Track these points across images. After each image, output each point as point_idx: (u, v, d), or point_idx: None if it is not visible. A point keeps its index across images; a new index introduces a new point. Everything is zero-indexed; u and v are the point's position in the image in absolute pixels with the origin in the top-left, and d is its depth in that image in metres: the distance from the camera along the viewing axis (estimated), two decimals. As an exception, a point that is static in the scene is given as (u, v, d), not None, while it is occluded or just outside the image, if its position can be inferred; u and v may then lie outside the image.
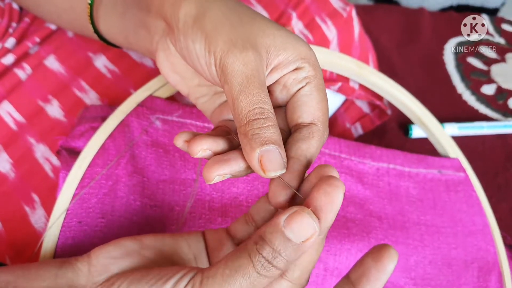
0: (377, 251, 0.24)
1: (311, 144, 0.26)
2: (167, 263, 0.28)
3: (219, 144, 0.26)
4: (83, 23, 0.39)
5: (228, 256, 0.23)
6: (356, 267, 0.24)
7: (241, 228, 0.30)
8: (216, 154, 0.26)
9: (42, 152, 0.41)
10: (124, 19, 0.35)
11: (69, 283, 0.27)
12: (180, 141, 0.27)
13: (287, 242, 0.22)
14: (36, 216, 0.38)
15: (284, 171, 0.24)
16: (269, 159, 0.23)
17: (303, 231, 0.21)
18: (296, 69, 0.27)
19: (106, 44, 0.41)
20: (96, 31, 0.39)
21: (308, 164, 0.26)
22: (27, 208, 0.39)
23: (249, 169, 0.25)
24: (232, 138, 0.27)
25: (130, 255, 0.28)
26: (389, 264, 0.23)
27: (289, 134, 0.28)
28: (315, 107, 0.27)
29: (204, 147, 0.26)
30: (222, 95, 0.32)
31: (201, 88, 0.33)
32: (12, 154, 0.41)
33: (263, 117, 0.24)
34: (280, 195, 0.24)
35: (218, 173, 0.24)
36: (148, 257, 0.28)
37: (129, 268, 0.27)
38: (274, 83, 0.28)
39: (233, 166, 0.25)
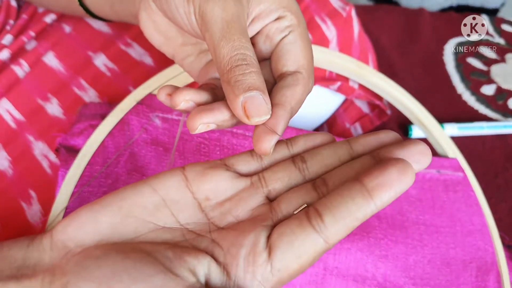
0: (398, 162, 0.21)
1: (295, 91, 0.26)
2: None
3: (202, 96, 0.26)
4: (70, 0, 0.39)
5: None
6: (375, 172, 0.21)
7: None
8: (200, 105, 0.25)
9: (41, 150, 0.41)
10: None
11: (35, 262, 0.25)
12: (163, 95, 0.26)
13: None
14: (32, 212, 0.38)
15: (268, 116, 0.24)
16: (253, 105, 0.23)
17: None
18: (278, 18, 0.27)
19: (105, 43, 0.41)
20: (82, 4, 0.38)
21: (292, 111, 0.25)
22: (23, 204, 0.39)
23: (234, 119, 0.25)
24: (216, 92, 0.27)
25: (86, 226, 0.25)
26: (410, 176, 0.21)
27: (274, 84, 0.27)
28: (299, 55, 0.27)
29: (186, 98, 0.25)
30: (208, 54, 0.32)
31: (186, 47, 0.32)
32: (11, 151, 0.41)
33: (245, 63, 0.24)
34: (265, 141, 0.24)
35: (202, 122, 0.24)
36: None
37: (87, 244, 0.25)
38: (256, 34, 0.28)
39: (217, 115, 0.24)
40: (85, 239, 0.24)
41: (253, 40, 0.28)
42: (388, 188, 0.20)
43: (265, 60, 0.29)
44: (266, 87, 0.24)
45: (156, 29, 0.31)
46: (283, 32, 0.27)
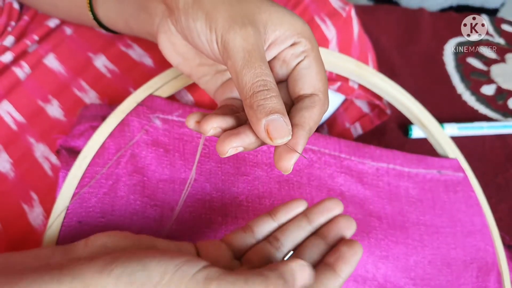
0: (347, 242, 0.30)
1: (313, 113, 0.27)
2: None
3: (228, 122, 0.27)
4: (81, 11, 0.39)
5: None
6: (331, 253, 0.30)
7: (239, 237, 0.31)
8: (226, 130, 0.27)
9: (42, 152, 0.41)
10: (122, 4, 0.36)
11: (63, 256, 0.28)
12: (191, 122, 0.28)
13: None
14: (34, 214, 0.38)
15: (290, 137, 0.25)
16: (275, 128, 0.25)
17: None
18: (293, 44, 0.29)
19: (105, 45, 0.41)
20: (95, 17, 0.39)
21: (311, 131, 0.27)
22: (25, 206, 0.39)
23: (259, 141, 0.27)
24: (239, 116, 0.29)
25: (126, 241, 0.29)
26: (359, 250, 0.29)
27: (292, 106, 0.29)
28: (315, 78, 0.29)
29: (214, 125, 0.27)
30: (224, 74, 0.33)
31: (203, 67, 0.34)
32: (12, 154, 0.41)
33: (266, 88, 0.26)
34: (286, 160, 0.26)
35: (231, 146, 0.26)
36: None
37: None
38: (273, 59, 0.30)
39: (244, 139, 0.26)
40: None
41: (270, 64, 0.30)
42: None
43: (282, 82, 0.31)
44: (285, 110, 0.26)
45: (174, 50, 0.33)
46: (299, 57, 0.29)
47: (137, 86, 0.42)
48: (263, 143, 0.27)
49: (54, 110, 0.43)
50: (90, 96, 0.44)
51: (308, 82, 0.29)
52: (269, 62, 0.30)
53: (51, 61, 0.45)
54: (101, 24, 0.40)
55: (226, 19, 0.27)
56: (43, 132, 0.42)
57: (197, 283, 0.23)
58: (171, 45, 0.33)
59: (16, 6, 0.47)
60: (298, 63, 0.29)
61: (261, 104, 0.25)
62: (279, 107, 0.25)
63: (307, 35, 0.29)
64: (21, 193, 0.39)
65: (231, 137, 0.26)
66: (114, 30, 0.41)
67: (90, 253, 0.27)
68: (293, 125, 0.26)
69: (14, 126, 0.42)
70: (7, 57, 0.43)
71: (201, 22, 0.28)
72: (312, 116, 0.27)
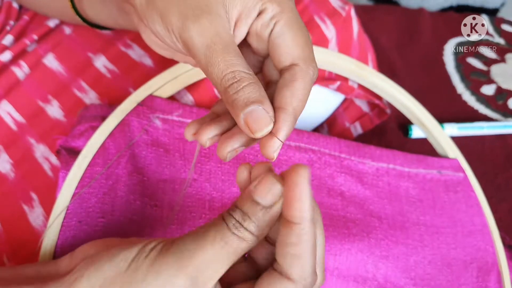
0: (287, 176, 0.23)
1: (295, 88, 0.24)
2: None
3: (223, 125, 0.27)
4: (72, 11, 0.39)
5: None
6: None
7: None
8: (224, 133, 0.26)
9: (42, 152, 0.41)
10: (105, 5, 0.36)
11: (50, 272, 0.28)
12: (189, 136, 0.27)
13: (255, 205, 0.23)
14: (34, 215, 0.38)
15: (270, 127, 0.24)
16: (254, 120, 0.23)
17: (268, 194, 0.23)
18: (260, 13, 0.26)
19: (104, 45, 0.41)
20: (85, 20, 0.39)
21: (295, 112, 0.25)
22: (25, 207, 0.39)
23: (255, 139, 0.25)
24: None
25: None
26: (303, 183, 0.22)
27: None
28: (291, 45, 0.25)
29: (210, 136, 0.26)
30: None
31: (189, 57, 0.31)
32: (13, 154, 0.41)
33: (236, 80, 0.24)
34: (268, 146, 0.24)
35: (228, 151, 0.25)
36: None
37: None
38: (248, 36, 0.27)
39: (239, 139, 0.25)
40: None
41: (248, 42, 0.28)
42: None
43: (268, 58, 0.28)
44: (264, 96, 0.24)
45: (159, 46, 0.31)
46: (269, 26, 0.26)
47: (137, 86, 0.42)
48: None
49: (54, 110, 0.43)
50: (90, 97, 0.44)
51: (284, 52, 0.25)
52: (245, 40, 0.27)
53: (51, 61, 0.45)
54: (92, 24, 0.40)
55: (178, 17, 0.25)
56: (43, 133, 0.42)
57: (157, 253, 0.23)
58: (153, 42, 0.31)
59: (15, 5, 0.47)
60: (270, 33, 0.26)
61: (235, 99, 0.23)
62: (254, 95, 0.23)
63: None
64: (21, 194, 0.39)
65: (226, 141, 0.25)
66: (103, 26, 0.41)
67: (75, 266, 0.27)
68: (275, 108, 0.24)
69: (14, 127, 0.42)
70: (6, 56, 0.43)
71: (159, 24, 0.26)
72: (294, 93, 0.24)
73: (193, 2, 0.25)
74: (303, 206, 0.22)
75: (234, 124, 0.27)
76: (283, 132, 0.24)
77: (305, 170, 0.22)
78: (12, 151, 0.41)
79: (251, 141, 0.25)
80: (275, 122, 0.24)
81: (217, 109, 0.29)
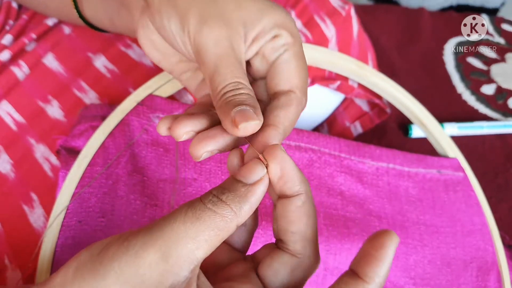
0: (376, 238, 0.22)
1: (288, 111, 0.26)
2: None
3: (201, 123, 0.26)
4: (69, 10, 0.39)
5: None
6: (357, 258, 0.23)
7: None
8: (200, 132, 0.25)
9: (42, 152, 0.41)
10: (106, 2, 0.35)
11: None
12: (163, 129, 0.26)
13: (236, 182, 0.22)
14: (35, 215, 0.38)
15: (256, 122, 0.23)
16: (241, 115, 0.23)
17: (251, 173, 0.22)
18: (274, 37, 0.27)
19: (104, 45, 0.41)
20: (82, 17, 0.39)
21: (285, 132, 0.25)
22: (25, 208, 0.39)
23: (236, 142, 0.25)
24: (213, 114, 0.27)
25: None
26: (390, 247, 0.22)
27: (268, 104, 0.27)
28: (293, 73, 0.27)
29: (187, 130, 0.25)
30: None
31: (183, 64, 0.32)
32: (13, 155, 0.41)
33: (237, 87, 0.24)
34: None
35: (206, 150, 0.24)
36: None
37: None
38: (254, 55, 0.28)
39: (219, 141, 0.24)
40: None
41: (251, 61, 0.28)
42: None
43: (262, 80, 0.29)
44: (258, 105, 0.24)
45: (154, 46, 0.31)
46: (278, 51, 0.27)
47: (136, 86, 0.42)
48: (239, 144, 0.25)
49: (54, 110, 0.43)
50: (90, 97, 0.44)
51: (285, 78, 0.27)
52: (250, 59, 0.28)
53: (50, 61, 0.45)
54: (88, 24, 0.40)
55: (198, 20, 0.26)
56: (43, 133, 0.42)
57: (130, 233, 0.22)
58: (150, 41, 0.31)
59: (14, 5, 0.47)
60: (278, 57, 0.27)
61: (230, 100, 0.24)
62: (249, 100, 0.24)
63: (289, 28, 0.27)
64: (21, 194, 0.39)
65: (205, 140, 0.24)
66: (102, 29, 0.40)
67: None
68: (266, 125, 0.25)
69: (14, 127, 0.42)
70: (5, 55, 0.43)
71: (175, 22, 0.27)
72: (287, 116, 0.25)
73: (216, 11, 0.26)
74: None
75: (213, 123, 0.26)
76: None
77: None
78: (12, 151, 0.41)
79: (228, 147, 0.25)
80: (264, 137, 0.24)
81: (191, 111, 0.28)
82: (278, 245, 0.24)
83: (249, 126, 0.23)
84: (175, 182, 0.38)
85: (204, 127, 0.26)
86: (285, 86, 0.27)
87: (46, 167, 0.40)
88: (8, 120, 0.42)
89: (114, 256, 0.21)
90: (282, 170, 0.23)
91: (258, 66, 0.28)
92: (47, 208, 0.39)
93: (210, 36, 0.25)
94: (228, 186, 0.22)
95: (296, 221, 0.23)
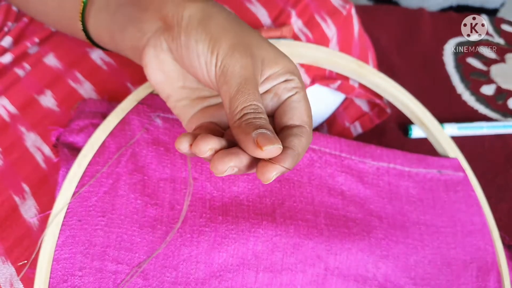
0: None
1: (301, 140, 0.28)
2: None
3: (221, 143, 0.27)
4: (70, 22, 0.38)
5: None
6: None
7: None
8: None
9: (33, 141, 0.40)
10: (113, 18, 0.35)
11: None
12: (184, 146, 0.27)
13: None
14: (26, 207, 0.38)
15: (280, 145, 0.26)
16: (264, 138, 0.25)
17: None
18: (286, 80, 0.30)
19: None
20: (85, 29, 0.38)
21: (299, 156, 0.28)
22: (16, 198, 0.38)
23: (252, 166, 0.27)
24: (227, 137, 0.29)
25: None
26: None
27: None
28: (304, 112, 0.30)
29: (211, 146, 0.27)
30: (204, 101, 0.33)
31: (184, 90, 0.33)
32: (1, 142, 0.40)
33: (257, 111, 0.27)
34: (268, 169, 0.26)
35: (229, 165, 0.26)
36: None
37: None
38: (265, 92, 0.31)
39: (242, 159, 0.26)
40: None
41: (261, 97, 0.30)
42: None
43: (268, 117, 0.31)
44: (274, 133, 0.26)
45: (159, 68, 0.32)
46: (291, 92, 0.30)
47: (134, 80, 0.42)
48: (253, 167, 0.27)
49: (46, 100, 0.42)
50: (85, 88, 0.43)
51: (297, 114, 0.30)
52: (261, 95, 0.31)
53: (50, 60, 0.45)
54: (88, 37, 0.39)
55: (229, 46, 0.28)
56: (35, 122, 0.41)
57: None
58: (157, 61, 0.32)
59: (14, 7, 0.47)
60: (290, 96, 0.30)
61: (250, 122, 0.26)
62: (268, 126, 0.26)
63: (298, 75, 0.31)
64: (11, 184, 0.39)
65: (229, 156, 0.26)
66: (99, 45, 0.40)
67: None
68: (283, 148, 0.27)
69: (7, 118, 0.41)
70: (7, 58, 0.43)
71: (203, 44, 0.29)
72: (301, 143, 0.28)
73: (244, 43, 0.29)
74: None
75: (228, 145, 0.28)
76: (288, 162, 0.26)
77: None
78: (1, 139, 0.40)
79: (245, 168, 0.27)
80: (281, 154, 0.26)
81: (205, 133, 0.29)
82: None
83: (273, 149, 0.25)
84: (189, 188, 0.38)
85: (224, 146, 0.27)
86: (297, 121, 0.30)
87: (38, 157, 0.40)
88: (2, 112, 0.42)
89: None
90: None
91: (268, 102, 0.31)
92: (39, 200, 0.38)
93: (239, 61, 0.28)
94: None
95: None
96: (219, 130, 0.31)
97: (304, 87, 0.31)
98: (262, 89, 0.31)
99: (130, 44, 0.34)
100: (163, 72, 0.32)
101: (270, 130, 0.26)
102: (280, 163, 0.26)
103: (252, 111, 0.27)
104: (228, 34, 0.29)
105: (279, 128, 0.30)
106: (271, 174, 0.26)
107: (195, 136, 0.27)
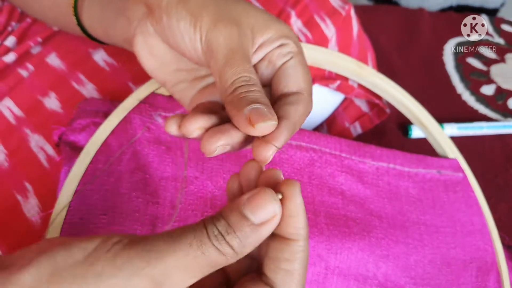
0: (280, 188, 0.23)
1: (298, 109, 0.26)
2: None
3: (211, 120, 0.26)
4: (66, 18, 0.39)
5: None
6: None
7: None
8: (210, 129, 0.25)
9: (37, 142, 0.41)
10: (105, 11, 0.35)
11: None
12: (173, 128, 0.26)
13: (244, 220, 0.21)
14: (28, 205, 0.38)
15: (274, 122, 0.23)
16: (257, 113, 0.23)
17: (262, 211, 0.21)
18: (280, 45, 0.28)
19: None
20: (79, 23, 0.38)
21: (295, 126, 0.25)
22: (19, 197, 0.38)
23: (247, 141, 0.25)
24: (221, 115, 0.27)
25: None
26: (295, 196, 0.22)
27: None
28: (301, 78, 0.28)
29: (199, 125, 0.25)
30: (202, 80, 0.32)
31: (180, 73, 0.32)
32: (8, 145, 0.40)
33: (250, 83, 0.25)
34: (264, 148, 0.23)
35: (219, 144, 0.24)
36: None
37: None
38: (260, 60, 0.29)
39: (233, 136, 0.24)
40: None
41: (256, 66, 0.29)
42: None
43: (265, 87, 0.29)
44: (270, 105, 0.24)
45: (151, 53, 0.31)
46: (285, 57, 0.28)
47: (136, 80, 0.42)
48: (249, 142, 0.25)
49: (51, 102, 0.43)
50: (88, 89, 0.44)
51: (293, 80, 0.28)
52: (255, 64, 0.29)
53: (53, 59, 0.45)
54: (84, 31, 0.39)
55: (212, 19, 0.27)
56: (39, 123, 0.42)
57: (122, 248, 0.20)
58: (147, 47, 0.31)
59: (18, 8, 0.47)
60: (285, 62, 0.28)
61: (243, 96, 0.24)
62: (263, 99, 0.24)
63: (294, 39, 0.29)
64: (14, 184, 0.39)
65: (219, 134, 0.24)
66: (97, 39, 0.40)
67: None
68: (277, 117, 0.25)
69: (13, 121, 0.42)
70: (10, 57, 0.43)
71: (185, 22, 0.27)
72: (297, 111, 0.26)
73: (228, 14, 0.27)
74: (300, 222, 0.22)
75: (220, 122, 0.26)
76: (283, 136, 0.24)
77: (298, 184, 0.22)
78: (8, 142, 0.40)
79: (240, 144, 0.25)
80: (276, 128, 0.24)
81: (199, 111, 0.28)
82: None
83: (266, 127, 0.23)
84: (183, 181, 0.38)
85: (214, 124, 0.26)
86: (293, 88, 0.28)
87: (42, 157, 0.40)
88: (8, 114, 0.42)
89: (103, 273, 0.19)
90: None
91: (263, 71, 0.29)
92: (42, 199, 0.38)
93: (223, 31, 0.26)
94: (233, 223, 0.21)
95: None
96: (217, 108, 0.28)
97: (301, 51, 0.29)
98: (256, 58, 0.29)
99: (122, 36, 0.34)
100: (155, 58, 0.31)
101: (264, 103, 0.24)
102: (274, 139, 0.24)
103: (244, 83, 0.24)
104: (208, 7, 0.27)
105: (276, 97, 0.28)
106: (267, 153, 0.23)
107: (183, 116, 0.26)
